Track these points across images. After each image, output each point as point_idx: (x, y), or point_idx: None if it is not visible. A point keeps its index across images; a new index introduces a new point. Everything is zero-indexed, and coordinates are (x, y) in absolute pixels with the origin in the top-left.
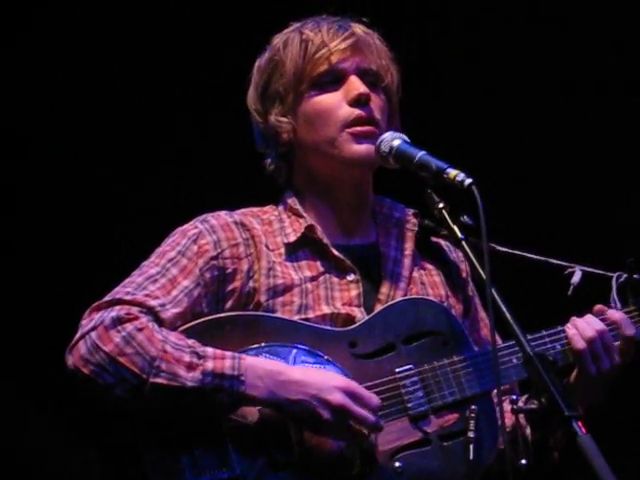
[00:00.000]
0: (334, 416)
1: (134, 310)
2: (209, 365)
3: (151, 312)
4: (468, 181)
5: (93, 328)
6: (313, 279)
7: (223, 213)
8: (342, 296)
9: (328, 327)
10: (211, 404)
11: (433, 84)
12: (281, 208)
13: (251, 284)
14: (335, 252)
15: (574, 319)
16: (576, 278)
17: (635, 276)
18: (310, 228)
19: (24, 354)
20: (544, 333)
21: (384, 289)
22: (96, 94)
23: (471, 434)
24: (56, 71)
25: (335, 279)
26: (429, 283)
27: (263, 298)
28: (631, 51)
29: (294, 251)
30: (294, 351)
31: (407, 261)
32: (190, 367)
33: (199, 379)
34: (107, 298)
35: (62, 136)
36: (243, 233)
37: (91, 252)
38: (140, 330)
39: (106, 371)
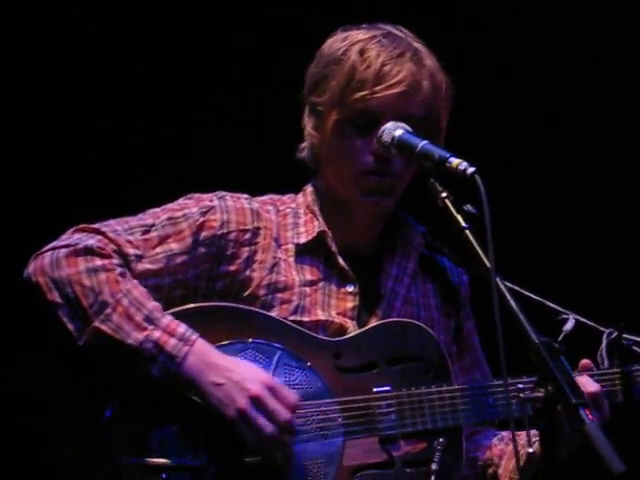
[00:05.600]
0: (249, 404)
1: (110, 248)
2: (155, 334)
3: (124, 258)
4: (471, 170)
5: (65, 246)
6: (312, 283)
7: (244, 197)
8: (338, 305)
9: (316, 335)
10: (142, 369)
11: None
12: (300, 200)
13: (247, 273)
14: (341, 262)
15: None
16: (569, 326)
17: (624, 337)
18: (322, 234)
19: None
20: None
21: (382, 306)
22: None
23: (434, 465)
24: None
25: (334, 287)
26: (423, 305)
27: (262, 292)
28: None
29: (301, 252)
30: (279, 352)
31: (407, 280)
32: (138, 327)
33: (140, 341)
34: (95, 225)
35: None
36: (256, 222)
37: None
38: (107, 270)
39: (57, 289)
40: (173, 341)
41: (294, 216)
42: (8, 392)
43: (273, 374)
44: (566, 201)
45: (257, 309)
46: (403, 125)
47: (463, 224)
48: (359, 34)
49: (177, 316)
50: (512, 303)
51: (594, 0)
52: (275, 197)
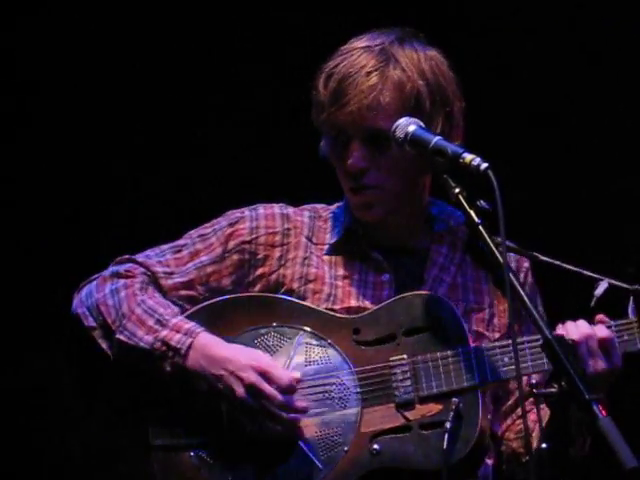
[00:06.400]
0: (247, 393)
1: (138, 270)
2: (163, 333)
3: (152, 276)
4: (484, 165)
5: (98, 277)
6: (345, 277)
7: (277, 205)
8: (373, 294)
9: (336, 314)
10: (159, 368)
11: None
12: (342, 204)
13: (281, 271)
14: (372, 254)
15: (567, 322)
16: (600, 290)
17: (637, 287)
18: (349, 231)
19: None
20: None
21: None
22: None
23: (447, 424)
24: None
25: (370, 279)
26: (473, 290)
27: (295, 285)
28: None
29: (334, 250)
30: (300, 332)
31: (453, 269)
32: (149, 331)
33: (150, 342)
34: (132, 256)
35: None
36: (285, 224)
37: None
38: (127, 287)
39: (91, 315)
40: (178, 336)
41: (334, 220)
42: (14, 392)
43: (294, 353)
44: (565, 200)
45: (282, 296)
46: (416, 121)
47: (476, 219)
48: (343, 50)
49: (206, 309)
50: (526, 299)
51: (594, 0)
52: (319, 205)
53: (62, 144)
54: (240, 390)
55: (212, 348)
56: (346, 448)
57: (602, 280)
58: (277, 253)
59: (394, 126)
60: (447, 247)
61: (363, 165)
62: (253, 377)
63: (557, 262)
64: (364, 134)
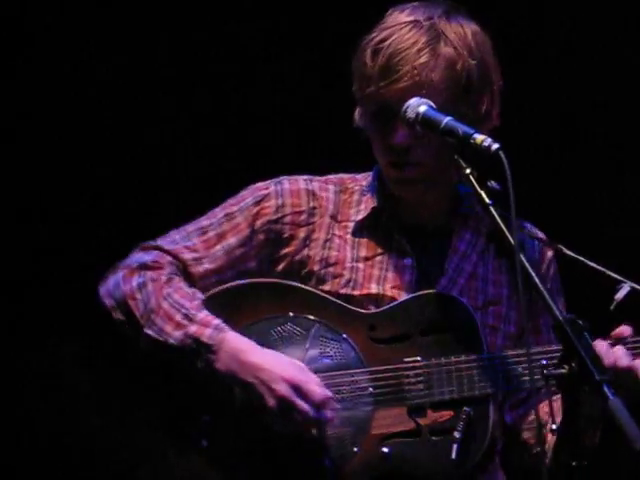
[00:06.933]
0: (278, 405)
1: (165, 259)
2: (192, 329)
3: (182, 265)
4: (495, 146)
5: (125, 266)
6: (367, 259)
7: (302, 179)
8: (395, 278)
9: (353, 307)
10: (192, 365)
11: None
12: (370, 178)
13: (305, 252)
14: (397, 236)
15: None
16: (620, 294)
17: None
18: (376, 211)
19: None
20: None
21: (443, 281)
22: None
23: (457, 434)
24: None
25: (392, 261)
26: (492, 281)
27: (316, 267)
28: None
29: (359, 229)
30: (316, 325)
31: (475, 257)
32: (177, 326)
33: (180, 339)
34: (156, 241)
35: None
36: (311, 202)
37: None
38: (154, 281)
39: (119, 308)
40: (208, 331)
41: (360, 194)
42: (38, 376)
43: (309, 346)
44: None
45: (299, 284)
46: (427, 101)
47: (487, 200)
48: (388, 23)
49: (224, 293)
50: (536, 280)
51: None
52: (346, 176)
53: (67, 139)
54: (271, 401)
55: (243, 353)
56: (356, 449)
57: (625, 283)
58: (302, 233)
59: (405, 106)
60: (471, 233)
61: (409, 143)
62: (285, 390)
63: (581, 258)
64: None
